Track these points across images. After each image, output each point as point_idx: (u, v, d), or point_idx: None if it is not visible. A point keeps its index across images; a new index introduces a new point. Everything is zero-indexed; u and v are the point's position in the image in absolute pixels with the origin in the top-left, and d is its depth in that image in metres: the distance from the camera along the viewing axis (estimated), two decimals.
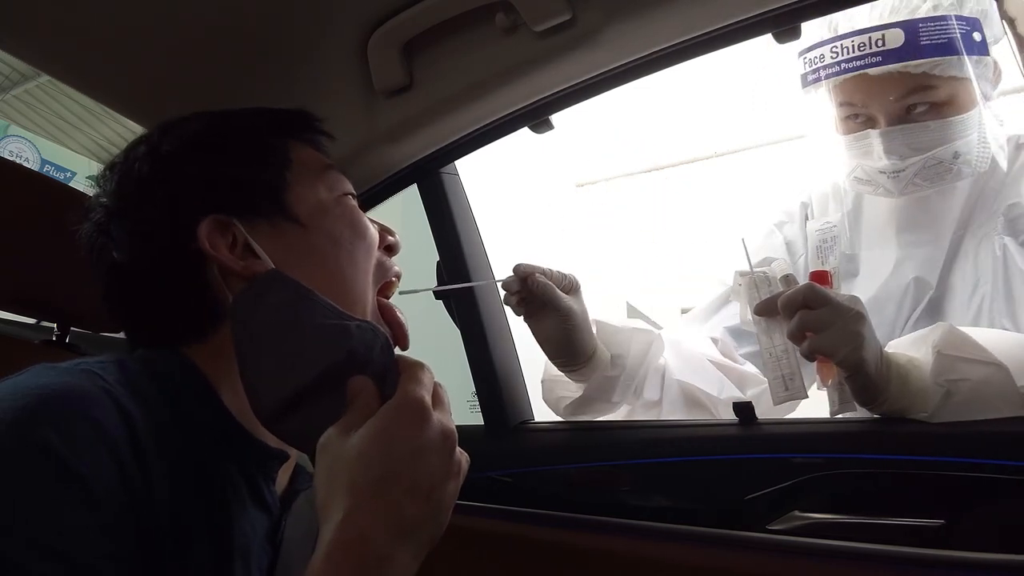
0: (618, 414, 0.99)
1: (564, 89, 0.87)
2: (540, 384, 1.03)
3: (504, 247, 1.36)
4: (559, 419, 1.02)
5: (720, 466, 0.83)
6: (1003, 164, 0.93)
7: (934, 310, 0.95)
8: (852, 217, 1.05)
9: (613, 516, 0.88)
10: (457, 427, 0.51)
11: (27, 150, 5.26)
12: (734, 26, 0.76)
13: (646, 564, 0.82)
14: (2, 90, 6.27)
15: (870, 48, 0.88)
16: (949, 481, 0.69)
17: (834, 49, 0.91)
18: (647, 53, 0.81)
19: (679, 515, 0.84)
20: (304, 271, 0.58)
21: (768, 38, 0.76)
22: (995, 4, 0.89)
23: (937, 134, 0.91)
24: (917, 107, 0.91)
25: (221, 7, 0.81)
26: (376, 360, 0.52)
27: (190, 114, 0.65)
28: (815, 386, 0.82)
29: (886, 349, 0.77)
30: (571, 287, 0.92)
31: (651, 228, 4.38)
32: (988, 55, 0.91)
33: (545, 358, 0.97)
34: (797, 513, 0.75)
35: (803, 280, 0.80)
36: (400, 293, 0.70)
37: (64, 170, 5.37)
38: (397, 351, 0.55)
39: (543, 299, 0.88)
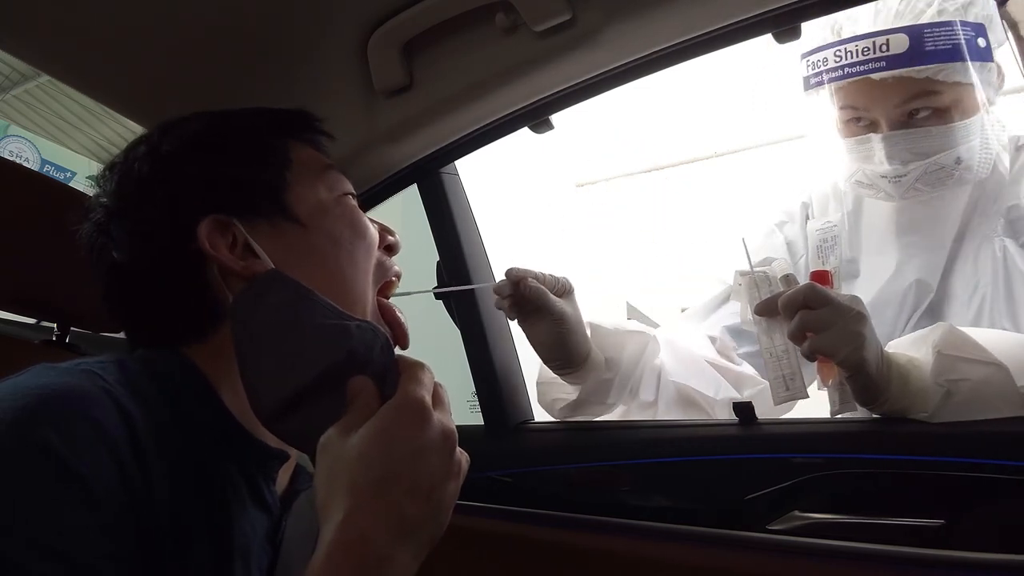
0: (614, 414, 0.99)
1: (564, 89, 0.87)
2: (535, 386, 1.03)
3: (504, 247, 1.36)
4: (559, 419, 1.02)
5: (720, 466, 0.83)
6: (1005, 168, 0.93)
7: (934, 313, 0.94)
8: (852, 218, 1.05)
9: (613, 516, 0.88)
10: (457, 427, 0.51)
11: (27, 150, 5.26)
12: (734, 26, 0.76)
13: (646, 564, 0.82)
14: (2, 90, 6.27)
15: (874, 53, 0.88)
16: (949, 481, 0.69)
17: (838, 53, 0.91)
18: (647, 53, 0.81)
19: (679, 515, 0.84)
20: (304, 271, 0.58)
21: (768, 38, 0.76)
22: (997, 8, 0.89)
23: (939, 140, 0.90)
24: (920, 112, 0.91)
25: (221, 7, 0.81)
26: (376, 360, 0.52)
27: (190, 114, 0.65)
28: (815, 386, 0.82)
29: (886, 349, 0.77)
30: (564, 291, 0.91)
31: (651, 228, 4.37)
32: (992, 61, 0.90)
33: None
34: (797, 513, 0.75)
35: (803, 280, 0.80)
36: (396, 295, 0.70)
37: (64, 170, 5.37)
38: (397, 351, 0.55)
39: (535, 303, 0.88)
